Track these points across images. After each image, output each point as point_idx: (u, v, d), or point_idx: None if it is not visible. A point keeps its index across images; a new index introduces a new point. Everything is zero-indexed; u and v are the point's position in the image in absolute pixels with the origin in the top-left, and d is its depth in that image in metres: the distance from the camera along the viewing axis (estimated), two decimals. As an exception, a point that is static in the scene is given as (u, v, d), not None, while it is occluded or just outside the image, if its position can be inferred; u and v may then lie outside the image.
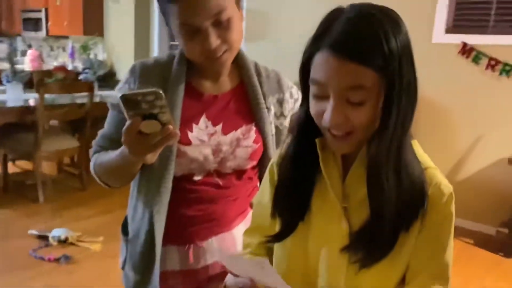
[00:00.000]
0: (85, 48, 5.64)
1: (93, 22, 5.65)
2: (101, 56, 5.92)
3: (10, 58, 3.66)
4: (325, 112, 0.68)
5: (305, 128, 0.76)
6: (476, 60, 3.38)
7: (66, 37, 6.30)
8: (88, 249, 2.73)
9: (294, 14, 4.24)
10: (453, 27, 3.50)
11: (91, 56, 5.59)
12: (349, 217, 0.75)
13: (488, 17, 3.36)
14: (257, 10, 4.52)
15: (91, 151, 1.11)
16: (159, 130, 0.81)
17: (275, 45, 4.31)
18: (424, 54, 3.64)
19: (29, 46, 6.84)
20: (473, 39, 3.40)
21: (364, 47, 0.64)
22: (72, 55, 5.84)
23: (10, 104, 3.52)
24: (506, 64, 3.27)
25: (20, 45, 7.11)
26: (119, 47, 5.69)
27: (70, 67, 5.77)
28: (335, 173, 0.77)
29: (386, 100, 0.66)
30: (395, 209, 0.69)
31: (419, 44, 3.96)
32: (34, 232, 2.89)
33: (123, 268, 1.17)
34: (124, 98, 0.76)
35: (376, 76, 0.65)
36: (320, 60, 0.67)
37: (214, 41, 0.95)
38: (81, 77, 4.37)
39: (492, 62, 3.32)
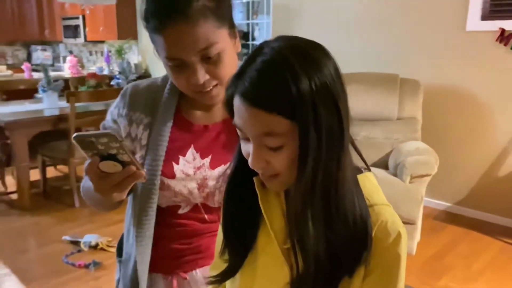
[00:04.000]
0: (120, 52, 5.80)
1: (126, 26, 5.78)
2: (136, 59, 6.06)
3: (45, 68, 3.80)
4: (249, 155, 0.66)
5: (243, 165, 0.72)
6: (515, 47, 3.15)
7: (102, 42, 6.50)
8: (118, 254, 2.81)
9: (320, 9, 4.13)
10: (490, 13, 3.27)
11: (125, 60, 5.74)
12: (293, 258, 0.70)
13: (529, -1, 3.12)
14: (284, 5, 4.44)
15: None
16: (121, 170, 0.80)
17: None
18: (457, 44, 3.44)
19: (70, 52, 7.12)
20: (512, 25, 3.17)
21: (271, 94, 0.60)
22: (107, 59, 6.01)
23: (46, 113, 3.69)
24: (549, 50, 3.03)
25: (62, 51, 7.42)
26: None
27: (106, 71, 5.96)
28: (278, 211, 0.73)
29: (301, 146, 0.62)
30: (329, 257, 0.64)
31: (451, 34, 3.72)
32: (67, 238, 3.01)
33: (117, 287, 1.18)
34: (78, 139, 0.75)
35: (287, 122, 0.61)
36: (235, 105, 0.64)
37: (202, 76, 0.90)
38: (113, 82, 4.49)
39: (534, 49, 3.08)
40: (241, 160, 0.72)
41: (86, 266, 2.68)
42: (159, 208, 1.02)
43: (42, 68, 3.83)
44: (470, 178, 3.48)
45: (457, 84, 3.42)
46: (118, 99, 1.07)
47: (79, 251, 2.88)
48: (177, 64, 0.90)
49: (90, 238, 2.96)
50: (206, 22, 0.86)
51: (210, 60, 0.90)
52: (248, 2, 4.98)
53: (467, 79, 3.37)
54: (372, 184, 0.72)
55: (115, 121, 1.06)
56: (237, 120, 0.65)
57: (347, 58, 3.93)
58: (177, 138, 1.02)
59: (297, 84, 0.59)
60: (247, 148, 0.67)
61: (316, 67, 0.61)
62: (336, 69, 0.64)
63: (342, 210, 0.65)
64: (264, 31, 4.88)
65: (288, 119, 0.60)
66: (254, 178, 0.73)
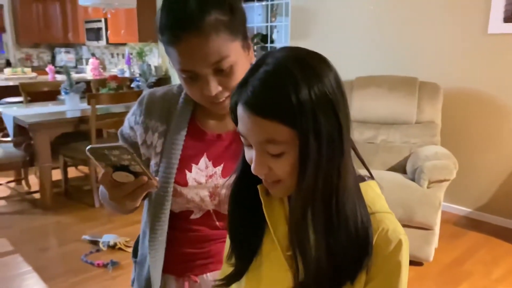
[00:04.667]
0: (140, 55, 5.88)
1: (147, 29, 5.86)
2: (156, 62, 6.14)
3: (67, 70, 3.89)
4: (252, 161, 0.68)
5: (248, 172, 0.73)
6: (539, 50, 3.08)
7: (124, 44, 6.61)
8: (135, 254, 2.85)
9: (339, 11, 4.11)
10: (513, 15, 3.20)
11: (146, 62, 5.82)
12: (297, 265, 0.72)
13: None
14: (302, 8, 4.44)
15: None
16: (133, 181, 0.83)
17: (320, 43, 4.21)
18: (479, 47, 3.38)
19: (93, 55, 7.26)
20: (536, 27, 3.10)
21: (272, 103, 0.62)
22: (128, 61, 6.11)
23: (68, 115, 3.77)
24: None
25: (85, 53, 7.57)
26: (173, 52, 5.86)
27: (127, 74, 6.06)
28: (281, 218, 0.74)
29: (301, 153, 0.63)
30: (330, 264, 0.66)
31: (473, 37, 3.66)
32: (86, 237, 3.07)
33: (132, 286, 1.20)
34: (91, 150, 0.78)
35: (288, 129, 0.62)
36: (239, 113, 0.66)
37: (214, 88, 0.92)
38: (133, 84, 4.55)
39: (559, 52, 3.00)
40: (246, 167, 0.73)
41: (105, 266, 2.73)
42: (172, 213, 1.04)
43: (65, 70, 3.92)
44: (491, 184, 3.41)
45: (477, 87, 3.36)
46: (135, 107, 1.09)
47: (98, 250, 2.94)
48: (190, 76, 0.92)
49: (109, 238, 3.02)
50: (219, 35, 0.87)
51: (223, 73, 0.91)
52: (267, 5, 5.00)
53: (488, 82, 3.30)
54: (375, 193, 0.73)
55: (131, 128, 1.09)
56: (240, 127, 0.67)
57: (366, 60, 3.90)
58: (191, 146, 1.04)
59: (297, 93, 0.60)
60: (250, 155, 0.69)
61: (316, 77, 0.62)
62: (337, 79, 0.65)
63: (343, 217, 0.66)
64: (283, 33, 4.89)
65: (289, 127, 0.62)
66: (258, 186, 0.74)
